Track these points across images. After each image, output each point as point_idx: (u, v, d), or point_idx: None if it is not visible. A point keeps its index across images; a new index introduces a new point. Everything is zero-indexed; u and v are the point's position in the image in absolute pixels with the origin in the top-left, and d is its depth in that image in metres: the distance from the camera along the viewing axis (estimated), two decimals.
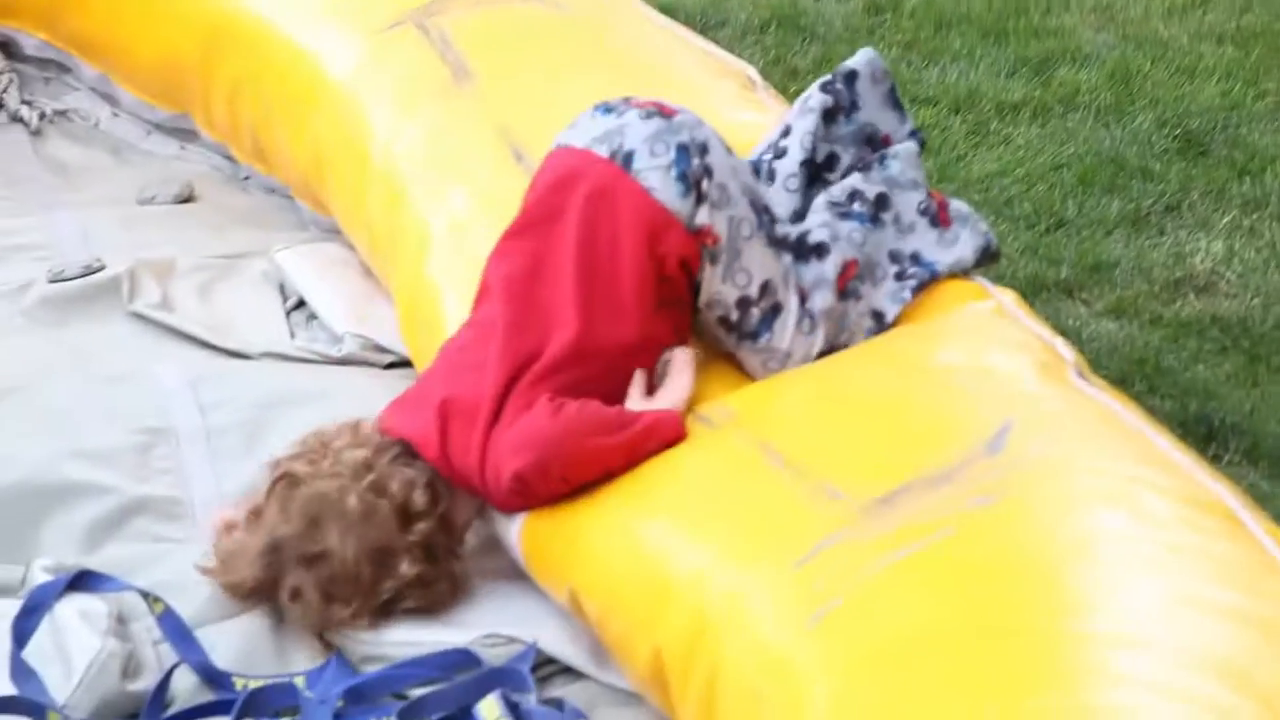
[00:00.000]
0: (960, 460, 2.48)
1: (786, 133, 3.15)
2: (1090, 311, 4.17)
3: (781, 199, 3.06)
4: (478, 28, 3.87)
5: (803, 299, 2.91)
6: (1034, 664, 2.09)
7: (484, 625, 2.78)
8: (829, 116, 3.13)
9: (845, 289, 2.93)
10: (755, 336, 2.90)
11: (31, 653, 2.67)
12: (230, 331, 3.67)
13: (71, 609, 2.75)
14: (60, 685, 2.63)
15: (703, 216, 2.84)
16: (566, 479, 2.74)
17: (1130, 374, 3.90)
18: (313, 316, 3.74)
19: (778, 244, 2.92)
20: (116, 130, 4.65)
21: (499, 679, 2.64)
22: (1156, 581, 2.19)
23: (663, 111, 2.92)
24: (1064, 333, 2.93)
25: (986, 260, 3.08)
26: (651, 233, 2.84)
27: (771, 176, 3.10)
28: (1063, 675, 2.06)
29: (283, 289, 3.83)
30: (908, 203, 3.06)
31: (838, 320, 2.92)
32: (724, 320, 2.90)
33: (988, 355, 2.77)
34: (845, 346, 2.93)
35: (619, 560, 2.64)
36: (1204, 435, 3.70)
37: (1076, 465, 2.45)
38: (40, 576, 2.83)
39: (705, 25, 5.51)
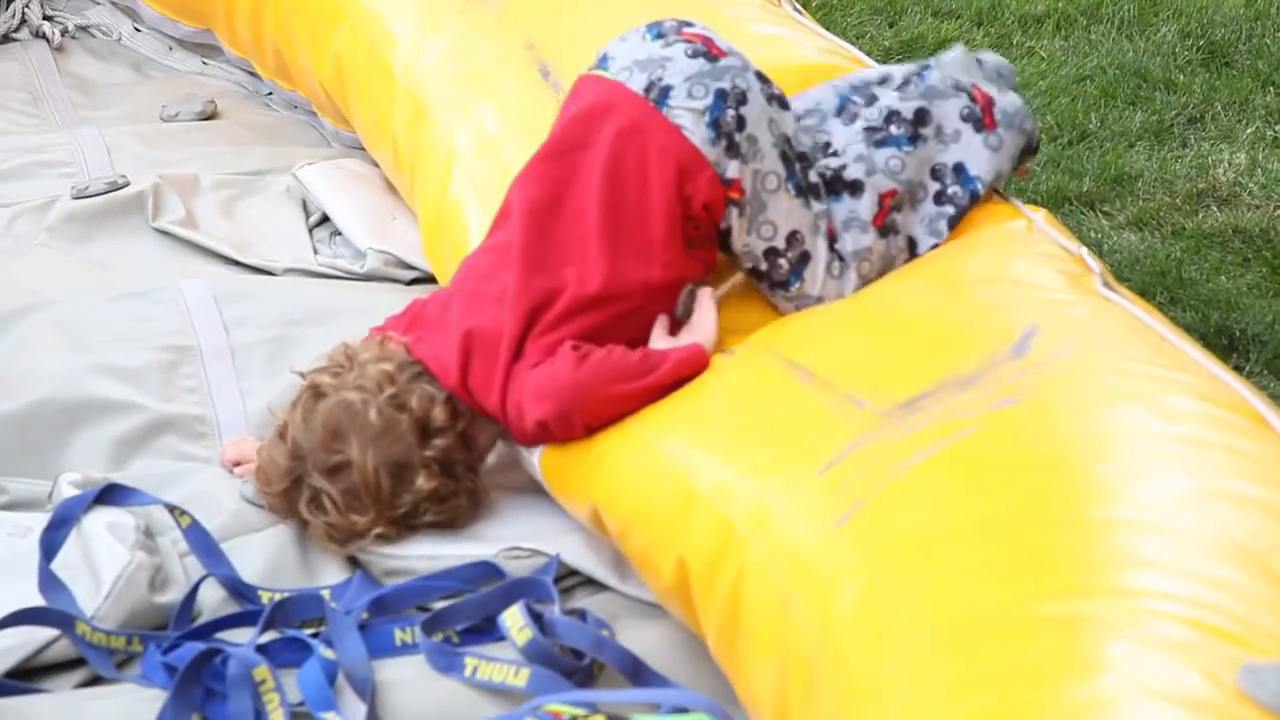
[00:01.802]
0: (984, 364, 2.48)
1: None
2: (1112, 223, 4.17)
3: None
4: None
5: (833, 240, 2.89)
6: (1058, 550, 2.11)
7: (506, 539, 2.79)
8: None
9: (884, 224, 2.90)
10: (786, 285, 2.89)
11: (60, 565, 2.69)
12: (254, 248, 3.68)
13: (99, 522, 2.77)
14: (89, 597, 2.65)
15: (733, 171, 2.83)
16: (589, 425, 2.76)
17: (1152, 285, 3.90)
18: (336, 233, 3.75)
19: (808, 191, 2.89)
20: (138, 46, 4.66)
21: (522, 590, 2.66)
22: (1179, 473, 2.20)
23: (710, 51, 2.88)
24: (1086, 245, 2.93)
25: (1027, 157, 3.03)
26: (682, 171, 2.82)
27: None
28: (1086, 559, 2.08)
29: (305, 205, 3.83)
30: (949, 111, 2.98)
31: (877, 259, 2.89)
32: (754, 271, 2.90)
33: (1013, 266, 2.76)
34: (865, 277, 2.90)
35: (641, 474, 2.65)
36: (1225, 346, 3.70)
37: (1100, 366, 2.45)
38: (67, 490, 2.85)
39: None
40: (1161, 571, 2.03)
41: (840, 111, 3.03)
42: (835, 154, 2.97)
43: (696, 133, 2.82)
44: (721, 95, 2.83)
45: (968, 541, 2.18)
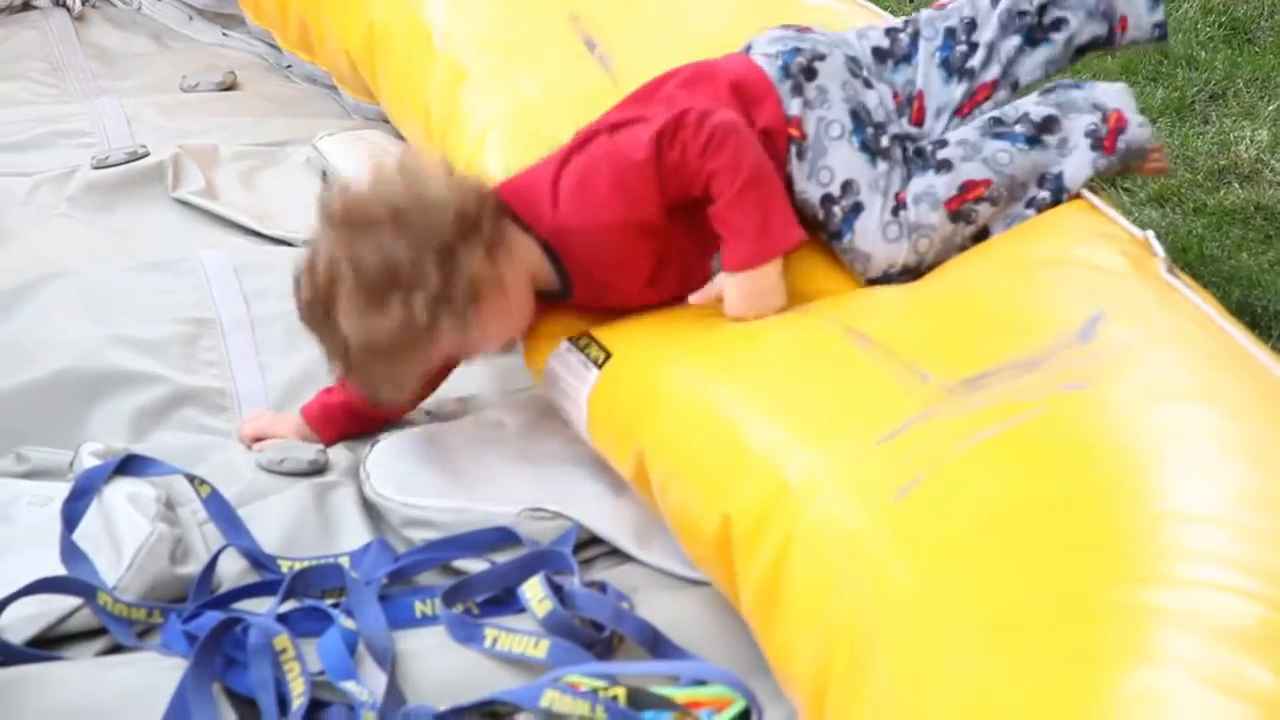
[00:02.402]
0: (1050, 347, 2.46)
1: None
2: (1133, 200, 4.16)
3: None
4: None
5: (899, 206, 2.90)
6: (1124, 537, 2.08)
7: (528, 500, 2.79)
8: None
9: (959, 210, 2.91)
10: (839, 236, 2.91)
11: (81, 536, 2.69)
12: (274, 218, 3.68)
13: (120, 493, 2.77)
14: (110, 568, 2.66)
15: (795, 108, 2.91)
16: (732, 177, 2.74)
17: (1173, 262, 3.88)
18: None
19: (877, 152, 2.92)
20: (158, 15, 4.68)
21: (542, 561, 2.66)
22: (1241, 469, 2.18)
23: (801, 28, 3.02)
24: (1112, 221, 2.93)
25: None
26: (746, 88, 2.92)
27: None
28: (1153, 548, 2.05)
29: (325, 176, 3.84)
30: (1077, 125, 2.99)
31: (939, 240, 2.90)
32: (814, 220, 2.92)
33: (1078, 248, 2.75)
34: (917, 270, 2.91)
35: (694, 423, 2.61)
36: (1247, 323, 3.67)
37: (1167, 357, 2.44)
38: (89, 461, 2.85)
39: None
40: (1229, 566, 2.00)
41: (945, 63, 3.07)
42: (939, 134, 3.02)
43: (769, 69, 2.94)
44: (797, 49, 2.95)
45: (1031, 524, 2.15)
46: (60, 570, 2.64)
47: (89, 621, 2.60)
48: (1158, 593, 1.98)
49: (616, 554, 2.78)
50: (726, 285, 2.79)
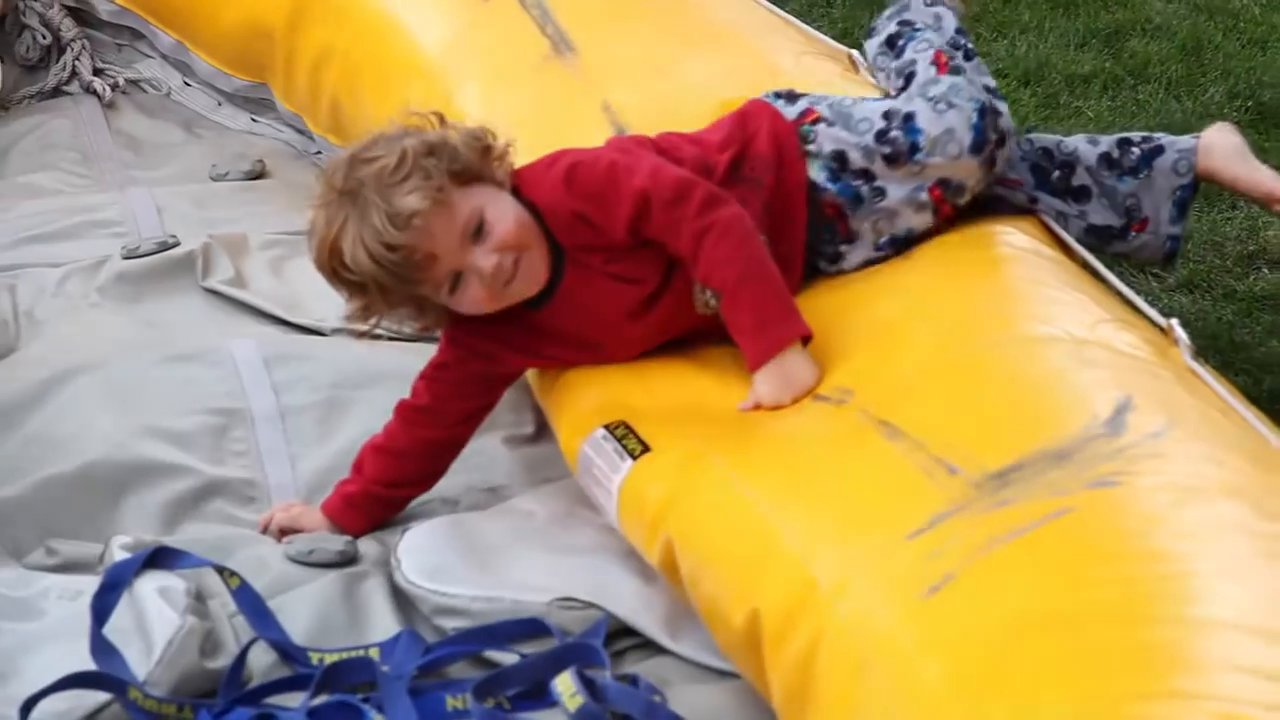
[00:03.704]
0: (1078, 438, 2.43)
1: None
2: (1163, 286, 4.15)
3: None
4: (578, 0, 3.88)
5: (929, 99, 3.09)
6: (1160, 649, 2.06)
7: (559, 589, 2.78)
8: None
9: (950, 67, 3.15)
10: (915, 148, 3.04)
11: (111, 629, 2.68)
12: (303, 308, 3.69)
13: (150, 586, 2.76)
14: (140, 662, 2.64)
15: (801, 106, 3.10)
16: (727, 271, 2.82)
17: (1204, 349, 3.83)
18: None
19: (894, 96, 3.17)
20: (188, 101, 4.70)
21: (574, 654, 2.65)
22: (1276, 572, 2.16)
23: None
24: (1134, 308, 2.93)
25: None
26: (746, 112, 3.10)
27: None
28: (1187, 661, 2.03)
29: None
30: (919, 10, 3.36)
31: (966, 88, 3.07)
32: (890, 160, 3.03)
33: (1105, 330, 2.75)
34: (997, 110, 3.09)
35: (723, 517, 2.62)
36: (1278, 412, 3.67)
37: (1196, 452, 2.41)
38: (118, 553, 2.85)
39: None
40: (1257, 677, 1.97)
41: None
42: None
43: (763, 97, 3.15)
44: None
45: (1064, 630, 2.12)
46: (90, 664, 2.63)
47: (119, 717, 2.58)
48: (1192, 710, 1.95)
49: (648, 645, 2.76)
50: (755, 382, 2.81)
